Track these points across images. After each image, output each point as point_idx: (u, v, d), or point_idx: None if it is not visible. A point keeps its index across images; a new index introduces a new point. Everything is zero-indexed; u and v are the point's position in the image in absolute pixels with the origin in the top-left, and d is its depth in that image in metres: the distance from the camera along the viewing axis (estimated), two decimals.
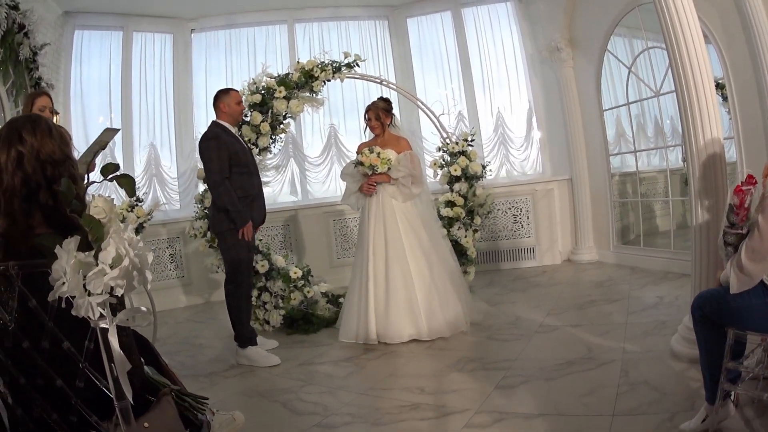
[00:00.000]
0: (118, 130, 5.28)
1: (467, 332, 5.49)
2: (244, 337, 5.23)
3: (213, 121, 5.39)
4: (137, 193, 6.76)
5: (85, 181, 1.84)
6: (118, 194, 6.81)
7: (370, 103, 5.94)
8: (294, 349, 5.49)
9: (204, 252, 6.40)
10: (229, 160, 5.14)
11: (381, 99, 5.92)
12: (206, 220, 6.05)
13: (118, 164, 1.58)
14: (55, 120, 4.90)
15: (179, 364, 5.21)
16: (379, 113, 5.77)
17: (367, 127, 5.91)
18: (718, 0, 5.81)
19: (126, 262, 1.43)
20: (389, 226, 5.58)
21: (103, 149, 4.28)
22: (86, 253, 1.42)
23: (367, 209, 5.73)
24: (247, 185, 5.27)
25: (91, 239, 1.43)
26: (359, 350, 5.29)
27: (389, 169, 5.58)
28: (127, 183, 1.58)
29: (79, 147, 7.49)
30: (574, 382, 4.02)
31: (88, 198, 1.62)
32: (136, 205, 6.56)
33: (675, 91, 4.14)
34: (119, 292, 1.48)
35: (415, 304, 5.40)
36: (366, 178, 5.67)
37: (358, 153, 5.79)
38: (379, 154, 5.57)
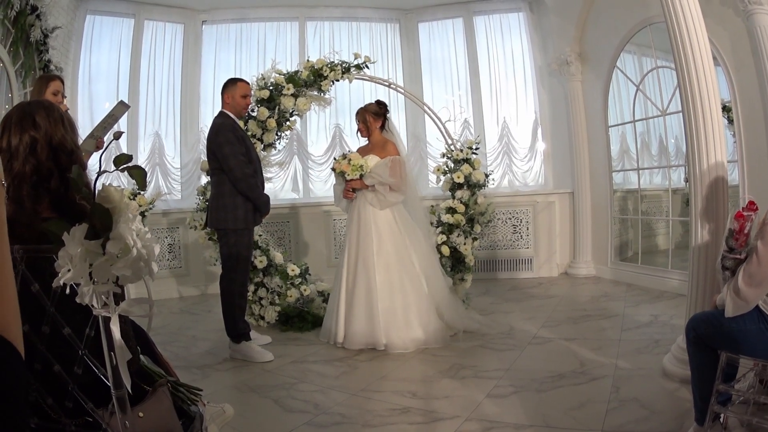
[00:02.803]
0: (129, 106, 5.26)
1: (460, 339, 5.48)
2: (238, 332, 5.23)
3: (221, 111, 5.32)
4: None
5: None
6: (120, 181, 6.82)
7: None
8: (288, 346, 5.50)
9: (203, 244, 6.41)
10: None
11: (375, 102, 5.82)
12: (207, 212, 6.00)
13: (131, 155, 1.58)
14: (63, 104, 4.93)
15: (172, 354, 5.21)
16: (366, 116, 5.68)
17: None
18: (729, 23, 5.83)
19: (134, 253, 1.45)
20: (362, 233, 5.49)
21: (115, 122, 4.28)
22: (94, 241, 1.43)
23: (349, 214, 5.71)
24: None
25: (99, 228, 1.44)
26: (352, 351, 5.28)
27: (361, 176, 5.47)
28: (139, 175, 1.59)
29: (85, 133, 7.55)
30: (564, 395, 4.03)
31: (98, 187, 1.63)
32: (139, 193, 6.58)
33: (681, 111, 4.15)
34: (125, 282, 1.49)
35: (375, 314, 5.27)
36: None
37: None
38: (350, 160, 5.48)
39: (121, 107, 4.98)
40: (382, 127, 5.74)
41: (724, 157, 3.98)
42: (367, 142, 5.79)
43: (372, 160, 5.51)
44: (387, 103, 5.80)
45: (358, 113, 5.78)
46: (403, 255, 5.50)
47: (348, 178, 5.48)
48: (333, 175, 5.79)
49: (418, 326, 5.34)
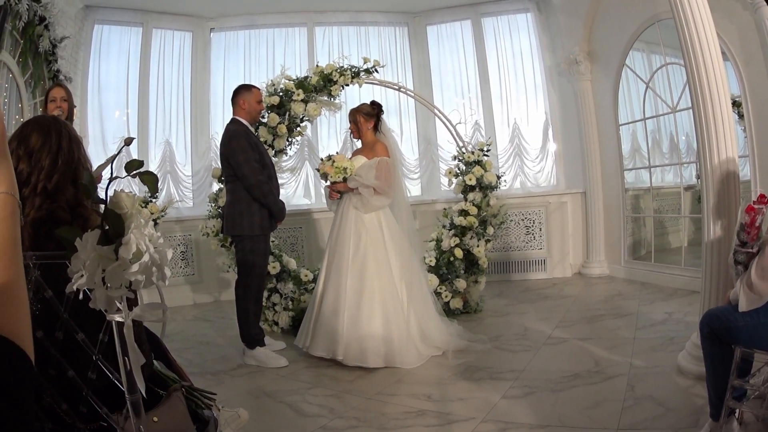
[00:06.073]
0: (134, 138, 5.28)
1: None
2: (252, 338, 5.24)
3: (234, 118, 5.30)
4: None
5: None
6: (132, 189, 6.86)
7: None
8: (302, 351, 5.48)
9: (216, 251, 6.41)
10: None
11: (369, 103, 5.61)
12: (219, 219, 6.03)
13: (142, 161, 1.59)
14: (74, 114, 4.97)
15: (187, 361, 5.23)
16: (356, 116, 5.48)
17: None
18: (737, 18, 5.81)
19: (146, 257, 1.45)
20: (340, 237, 5.27)
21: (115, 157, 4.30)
22: (107, 247, 1.44)
23: (334, 215, 5.51)
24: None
25: (112, 234, 1.45)
26: None
27: (345, 179, 5.25)
28: (150, 180, 1.59)
29: (95, 141, 7.58)
30: (579, 394, 4.03)
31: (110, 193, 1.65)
32: (150, 201, 6.60)
33: (691, 108, 4.14)
34: (138, 286, 1.50)
35: (340, 323, 4.98)
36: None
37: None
38: (333, 162, 5.28)
39: (124, 145, 4.97)
40: (376, 128, 5.54)
41: (735, 152, 3.97)
42: (360, 143, 5.66)
43: (359, 161, 5.34)
44: (382, 104, 5.62)
45: (349, 113, 5.59)
46: (381, 264, 5.18)
47: (331, 180, 5.33)
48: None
49: (381, 341, 4.97)
